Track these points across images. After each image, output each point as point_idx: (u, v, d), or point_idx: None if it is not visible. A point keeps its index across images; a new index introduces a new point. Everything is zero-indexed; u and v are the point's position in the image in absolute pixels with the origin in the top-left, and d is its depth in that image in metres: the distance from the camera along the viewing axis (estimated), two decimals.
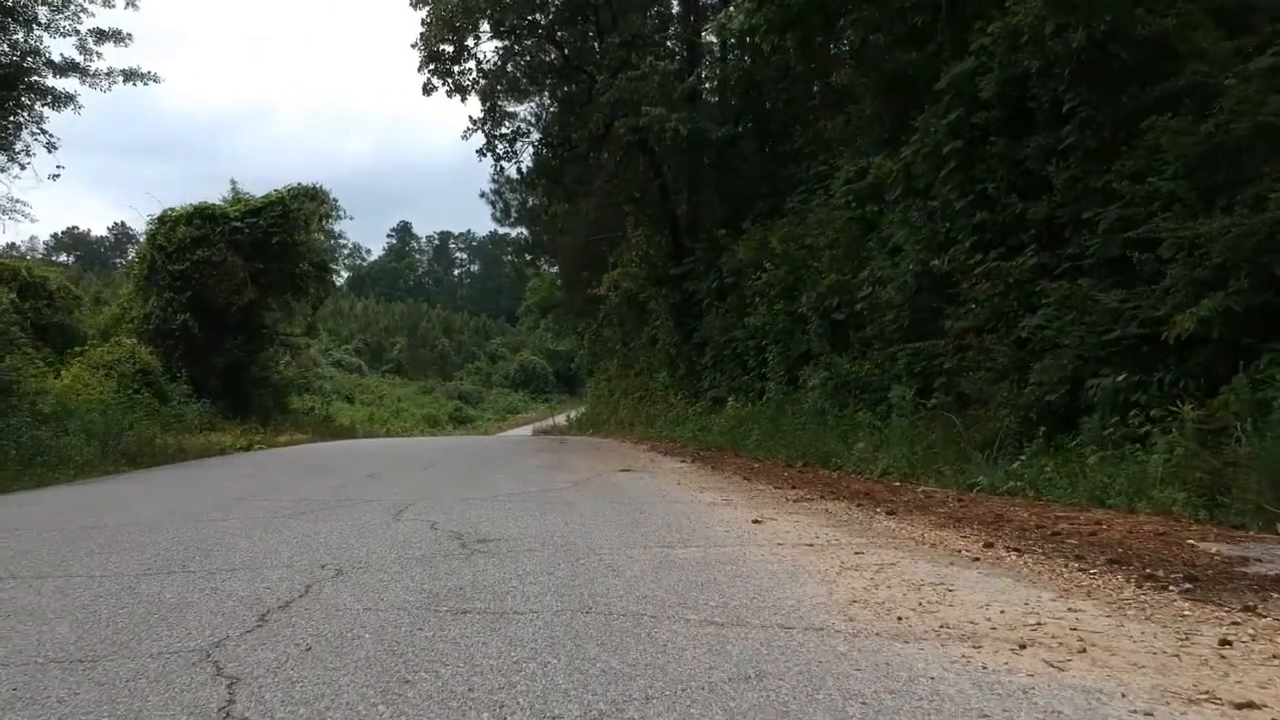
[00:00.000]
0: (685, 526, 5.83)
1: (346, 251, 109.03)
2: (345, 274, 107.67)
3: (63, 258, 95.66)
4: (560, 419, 42.89)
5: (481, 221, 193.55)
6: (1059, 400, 8.12)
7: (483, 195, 37.46)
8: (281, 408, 29.21)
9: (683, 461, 12.28)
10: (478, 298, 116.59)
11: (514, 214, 37.62)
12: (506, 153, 23.67)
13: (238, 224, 25.33)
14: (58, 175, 16.03)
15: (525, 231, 41.14)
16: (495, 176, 31.23)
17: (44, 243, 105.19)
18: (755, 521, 5.96)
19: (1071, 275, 8.73)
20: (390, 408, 58.09)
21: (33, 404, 11.76)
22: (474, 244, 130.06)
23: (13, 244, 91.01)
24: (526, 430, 42.38)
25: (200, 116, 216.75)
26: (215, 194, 27.04)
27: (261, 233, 25.57)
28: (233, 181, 28.39)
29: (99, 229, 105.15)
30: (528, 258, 46.61)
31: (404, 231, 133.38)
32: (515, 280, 58.20)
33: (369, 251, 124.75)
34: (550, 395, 77.33)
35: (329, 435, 26.80)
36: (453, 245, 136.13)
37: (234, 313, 25.15)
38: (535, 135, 24.05)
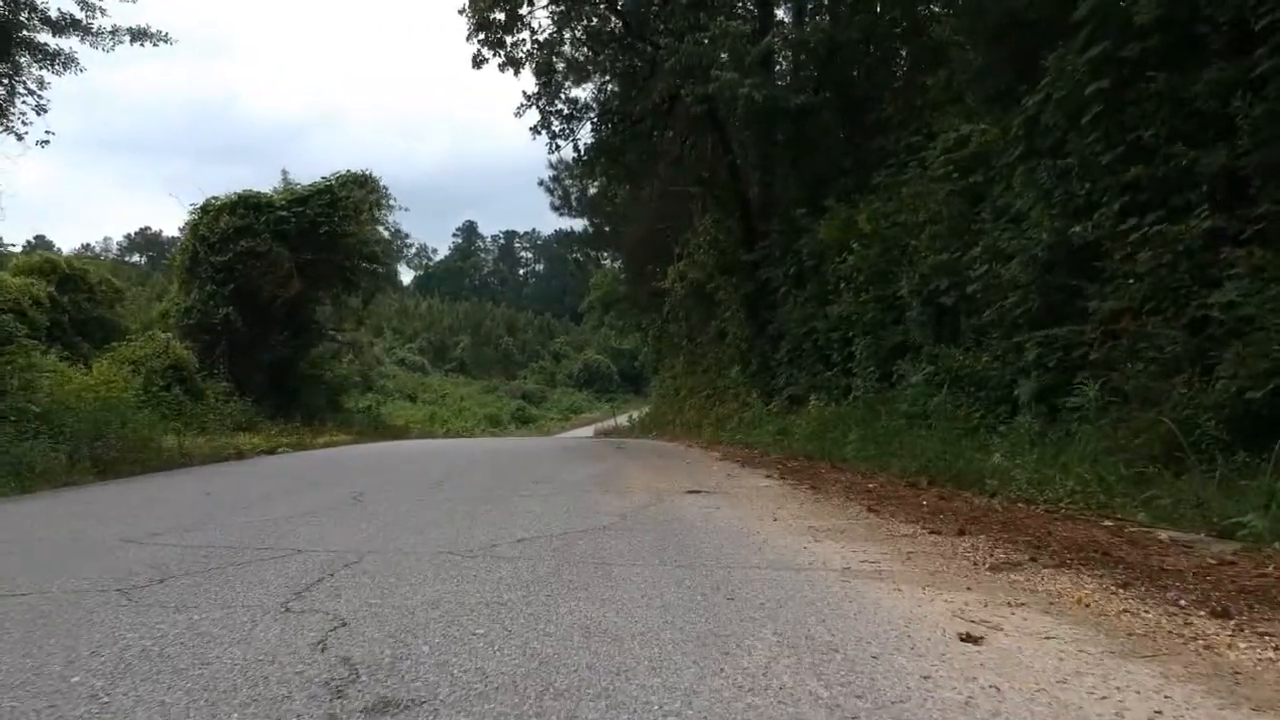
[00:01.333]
0: (825, 646, 2.99)
1: (413, 251, 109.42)
2: (411, 273, 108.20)
3: (135, 258, 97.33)
4: (622, 419, 41.39)
5: (546, 220, 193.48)
6: (1262, 399, 6.22)
7: (541, 183, 35.89)
8: (334, 406, 28.05)
9: (769, 476, 9.61)
10: (542, 296, 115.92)
11: (574, 203, 36.02)
12: (563, 130, 21.86)
13: (283, 213, 24.18)
14: (47, 142, 14.81)
15: (587, 224, 39.64)
16: (552, 161, 29.80)
17: (117, 243, 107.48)
18: (966, 639, 3.10)
19: (1262, 239, 6.85)
20: (452, 407, 57.36)
21: (25, 402, 10.41)
22: (539, 242, 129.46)
23: (86, 244, 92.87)
24: (588, 431, 40.93)
25: (273, 121, 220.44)
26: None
27: (308, 222, 24.40)
28: (284, 171, 27.46)
29: (170, 230, 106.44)
30: (590, 253, 45.22)
31: (469, 231, 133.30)
32: (579, 278, 56.88)
33: (435, 251, 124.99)
34: (614, 395, 76.07)
35: (377, 436, 25.41)
36: (518, 244, 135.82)
37: (279, 306, 23.97)
38: (594, 114, 22.25)
